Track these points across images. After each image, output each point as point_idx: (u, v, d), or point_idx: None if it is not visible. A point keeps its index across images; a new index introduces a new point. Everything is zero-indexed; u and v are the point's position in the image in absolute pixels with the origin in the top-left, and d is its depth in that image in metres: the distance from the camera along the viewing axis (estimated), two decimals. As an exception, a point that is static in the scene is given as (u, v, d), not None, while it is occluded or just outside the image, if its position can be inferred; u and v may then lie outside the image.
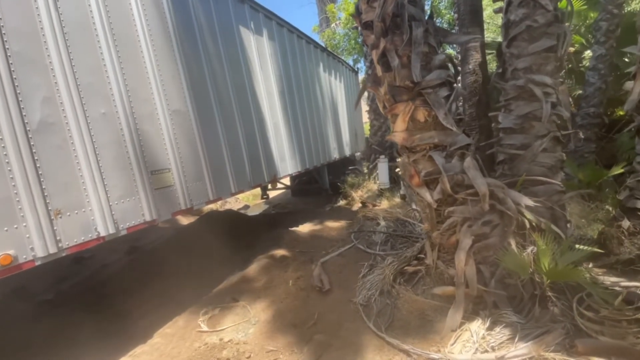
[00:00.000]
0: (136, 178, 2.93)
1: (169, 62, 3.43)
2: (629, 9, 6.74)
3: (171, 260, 4.52)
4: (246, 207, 9.64)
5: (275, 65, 5.63)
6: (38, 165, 2.28)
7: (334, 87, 8.72)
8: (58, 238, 2.35)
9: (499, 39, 6.04)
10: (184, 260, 4.50)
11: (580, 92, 6.44)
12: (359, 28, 3.05)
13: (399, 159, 3.10)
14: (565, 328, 2.26)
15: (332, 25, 15.01)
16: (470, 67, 5.32)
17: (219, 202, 6.15)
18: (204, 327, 3.05)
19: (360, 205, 7.12)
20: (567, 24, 3.22)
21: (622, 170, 4.72)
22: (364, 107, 11.85)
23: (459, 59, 6.01)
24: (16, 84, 2.22)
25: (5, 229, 2.11)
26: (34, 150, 2.27)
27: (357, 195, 7.85)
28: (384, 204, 6.70)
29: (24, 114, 2.24)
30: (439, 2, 13.37)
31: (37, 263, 2.26)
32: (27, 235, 2.21)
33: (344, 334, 2.75)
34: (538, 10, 3.12)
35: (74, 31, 2.60)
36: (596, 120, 6.03)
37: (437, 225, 2.90)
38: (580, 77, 6.85)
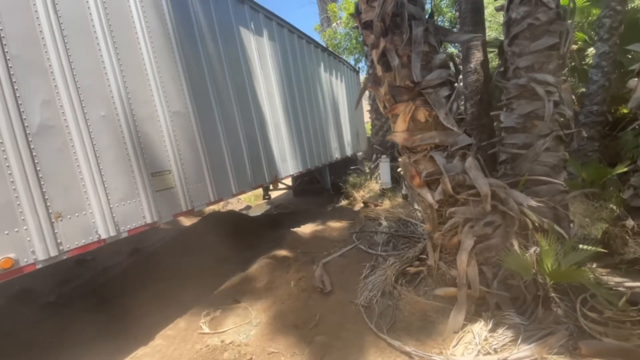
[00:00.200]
0: (137, 180, 2.93)
1: (169, 64, 3.43)
2: (632, 5, 6.67)
3: (173, 261, 4.53)
4: (248, 207, 9.65)
5: (276, 65, 5.62)
6: (38, 168, 2.29)
7: (335, 86, 8.70)
8: (59, 241, 2.35)
9: (501, 37, 6.00)
10: (186, 261, 4.51)
11: (583, 90, 6.39)
12: (359, 28, 3.03)
13: (400, 159, 3.08)
14: (569, 329, 2.25)
15: (333, 24, 14.99)
16: (472, 65, 5.30)
17: (221, 203, 6.15)
18: (206, 329, 3.05)
19: (362, 205, 7.10)
20: (569, 21, 3.19)
21: (626, 169, 4.69)
22: (366, 106, 11.83)
23: (461, 57, 5.99)
24: (16, 88, 2.22)
25: (6, 232, 2.12)
26: (34, 154, 2.27)
27: (359, 195, 7.84)
28: (386, 204, 6.68)
29: (23, 117, 2.24)
30: (440, 1, 13.32)
31: (38, 266, 2.26)
32: (28, 239, 2.21)
33: (345, 335, 2.74)
34: (540, 8, 3.09)
35: (73, 34, 2.60)
36: (599, 119, 5.98)
37: (438, 226, 2.89)
38: (583, 75, 6.79)
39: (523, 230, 2.79)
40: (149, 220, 3.00)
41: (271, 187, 8.06)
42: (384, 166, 7.40)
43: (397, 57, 2.67)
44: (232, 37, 4.54)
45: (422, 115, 2.74)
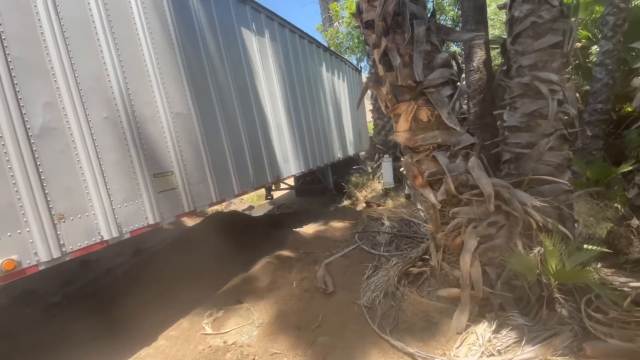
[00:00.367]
0: (139, 181, 2.94)
1: (171, 65, 3.43)
2: (636, 2, 6.60)
3: (176, 262, 4.53)
4: (251, 207, 9.66)
5: (278, 65, 5.61)
6: (41, 170, 2.29)
7: (337, 86, 8.68)
8: (61, 242, 2.36)
9: (504, 35, 5.96)
10: (189, 261, 4.52)
11: (587, 88, 6.32)
12: (360, 27, 3.02)
13: (402, 159, 3.07)
14: (573, 330, 2.22)
15: (335, 24, 14.96)
16: (475, 64, 5.27)
17: (224, 203, 6.16)
18: (208, 330, 3.06)
19: (364, 205, 7.08)
20: (573, 19, 3.16)
21: (630, 168, 4.64)
22: (368, 105, 11.80)
23: (463, 56, 5.96)
24: (17, 90, 2.23)
25: (9, 234, 2.12)
26: (36, 156, 2.28)
27: (362, 195, 7.82)
28: (389, 203, 6.66)
29: (25, 119, 2.25)
30: (443, -1, 13.25)
31: (41, 268, 2.27)
32: (31, 240, 2.21)
33: (348, 336, 2.74)
34: (543, 6, 3.06)
35: (75, 35, 2.60)
36: (604, 117, 5.91)
37: (441, 226, 2.87)
38: (587, 73, 6.73)
39: (527, 231, 2.76)
40: (151, 221, 3.00)
41: (273, 187, 8.07)
42: (387, 166, 7.37)
43: (398, 57, 2.66)
44: (233, 38, 4.53)
45: (424, 115, 2.72)
